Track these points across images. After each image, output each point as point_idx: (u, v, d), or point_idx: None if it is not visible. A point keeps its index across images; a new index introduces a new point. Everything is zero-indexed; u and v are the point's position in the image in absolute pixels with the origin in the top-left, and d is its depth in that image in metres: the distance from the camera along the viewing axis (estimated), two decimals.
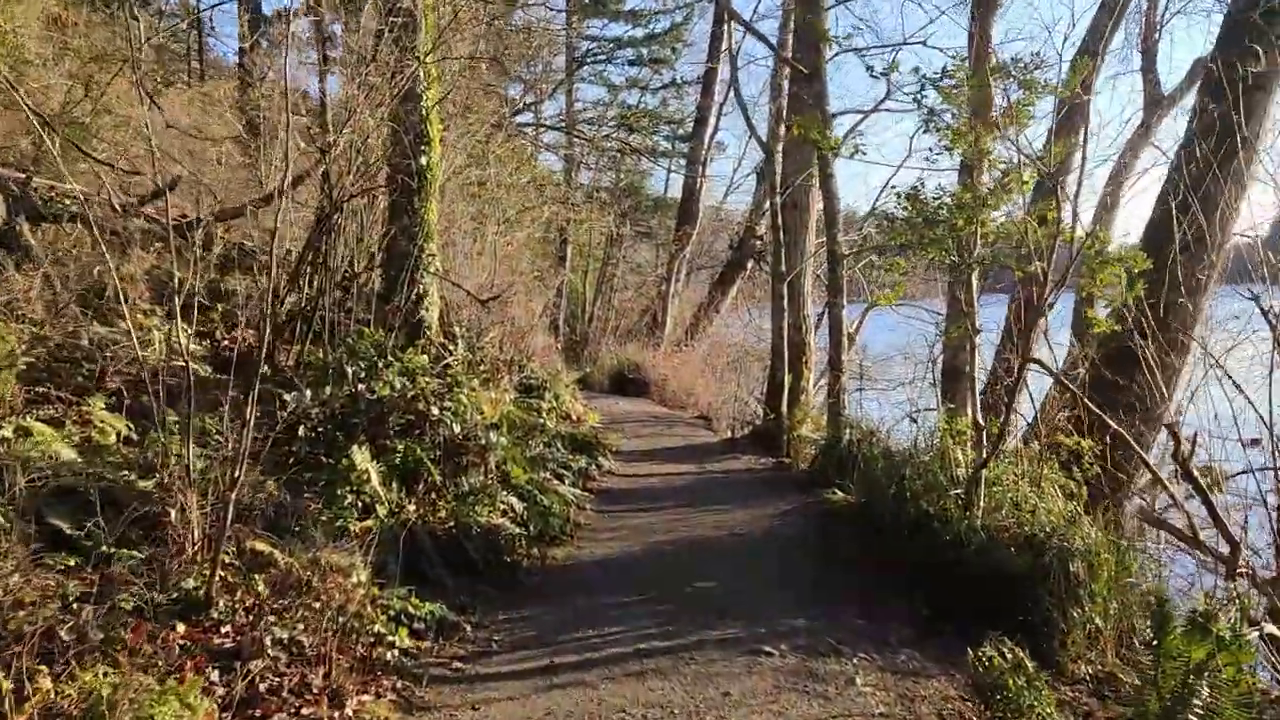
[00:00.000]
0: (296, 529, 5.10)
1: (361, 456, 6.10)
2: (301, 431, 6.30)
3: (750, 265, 25.29)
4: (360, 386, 6.90)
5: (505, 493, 6.81)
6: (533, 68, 23.56)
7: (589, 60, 25.49)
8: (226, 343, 8.37)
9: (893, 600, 5.76)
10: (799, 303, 11.92)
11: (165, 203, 5.62)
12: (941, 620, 5.37)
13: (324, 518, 5.71)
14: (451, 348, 10.11)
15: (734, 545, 7.10)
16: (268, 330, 5.24)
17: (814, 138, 9.64)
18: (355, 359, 7.25)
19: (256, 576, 4.45)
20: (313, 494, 5.93)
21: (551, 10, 22.80)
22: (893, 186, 13.74)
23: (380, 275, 9.14)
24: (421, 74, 8.65)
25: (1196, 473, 5.64)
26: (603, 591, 5.92)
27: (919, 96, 7.58)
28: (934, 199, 7.45)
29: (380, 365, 7.29)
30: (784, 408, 11.37)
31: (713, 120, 23.93)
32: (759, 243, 25.16)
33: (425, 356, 7.57)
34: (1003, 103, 7.07)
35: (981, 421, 6.94)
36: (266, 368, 7.37)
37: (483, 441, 6.92)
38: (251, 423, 4.50)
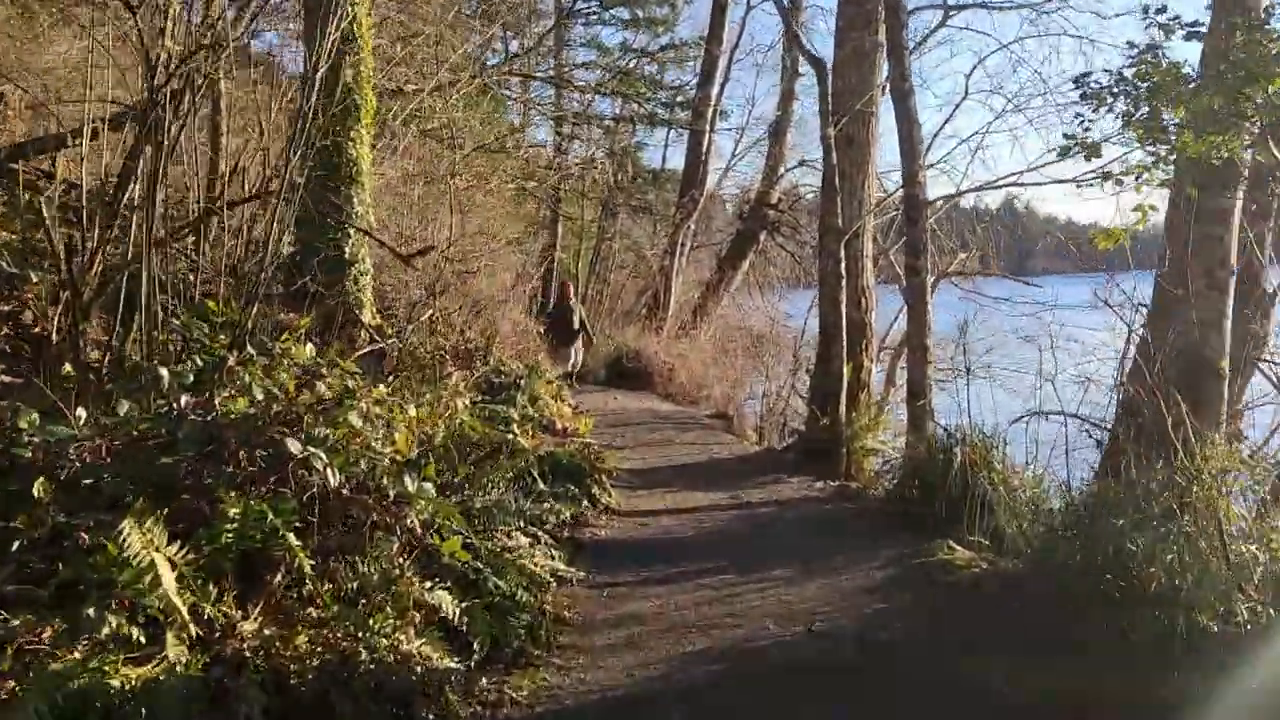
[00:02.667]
0: None
1: (139, 536, 3.20)
2: (37, 491, 3.38)
3: (763, 238, 22.39)
4: (185, 400, 3.98)
5: (429, 585, 3.91)
6: (518, 13, 20.56)
7: (579, 18, 22.40)
8: (40, 329, 5.52)
9: None
10: (859, 270, 9.00)
11: None
12: None
13: (47, 669, 2.92)
14: (389, 334, 7.19)
15: (818, 665, 4.19)
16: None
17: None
18: (185, 352, 4.36)
19: None
20: (39, 611, 3.09)
21: None
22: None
23: (282, 231, 6.20)
24: None
25: None
26: None
27: None
28: None
29: (231, 363, 4.38)
30: (841, 409, 8.46)
31: (722, 65, 20.89)
32: (773, 212, 22.27)
33: (308, 346, 4.63)
34: None
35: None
36: (69, 366, 4.51)
37: (390, 494, 4.00)
38: None
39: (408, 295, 7.41)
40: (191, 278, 5.14)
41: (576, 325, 12.64)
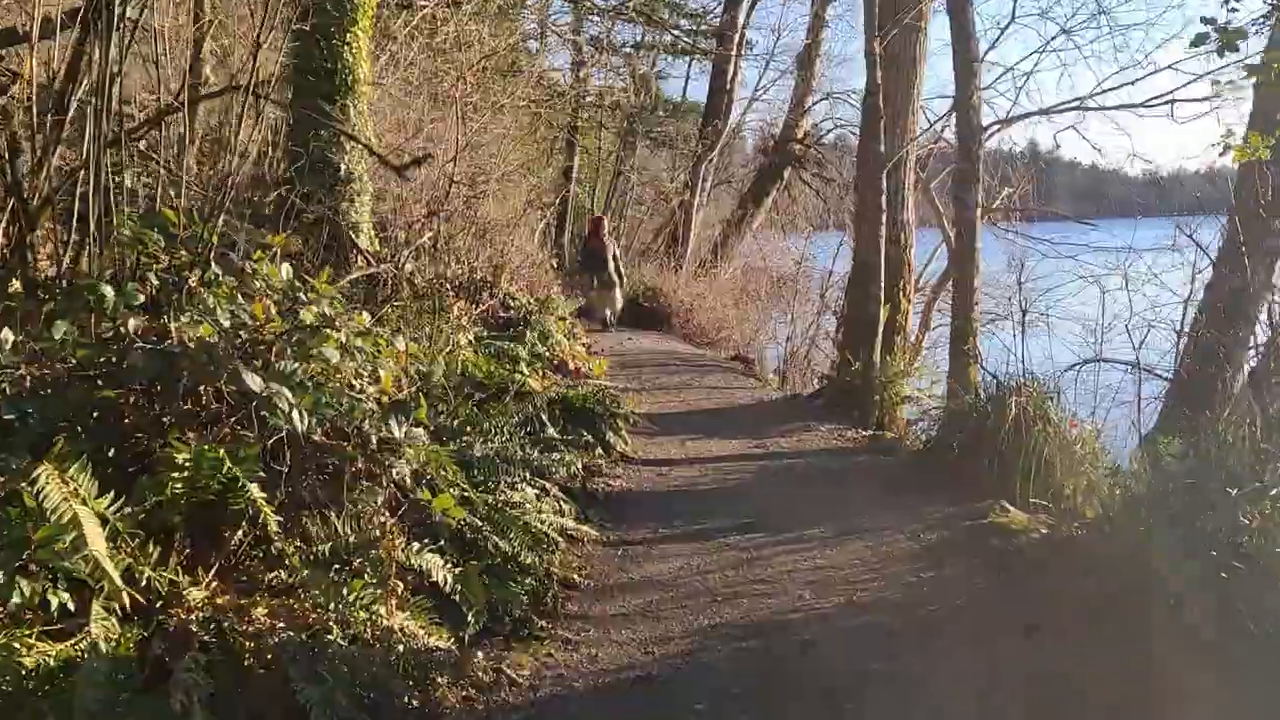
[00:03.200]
0: None
1: (59, 485, 2.65)
2: None
3: (788, 174, 21.48)
4: (133, 324, 3.40)
5: (417, 546, 3.35)
6: None
7: None
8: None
9: None
10: (899, 204, 8.28)
11: None
12: None
13: None
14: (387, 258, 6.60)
15: (861, 645, 3.65)
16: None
17: None
18: (138, 270, 3.77)
19: None
20: None
21: None
22: None
23: (251, 130, 5.55)
24: None
25: None
26: None
27: None
28: None
29: (193, 284, 3.79)
30: (876, 353, 7.81)
31: None
32: (799, 147, 21.32)
33: (285, 267, 4.02)
34: None
35: None
36: (17, 283, 3.94)
37: (371, 441, 3.42)
38: None
39: (407, 218, 6.77)
40: (153, 185, 4.51)
41: (613, 266, 12.02)
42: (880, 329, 7.86)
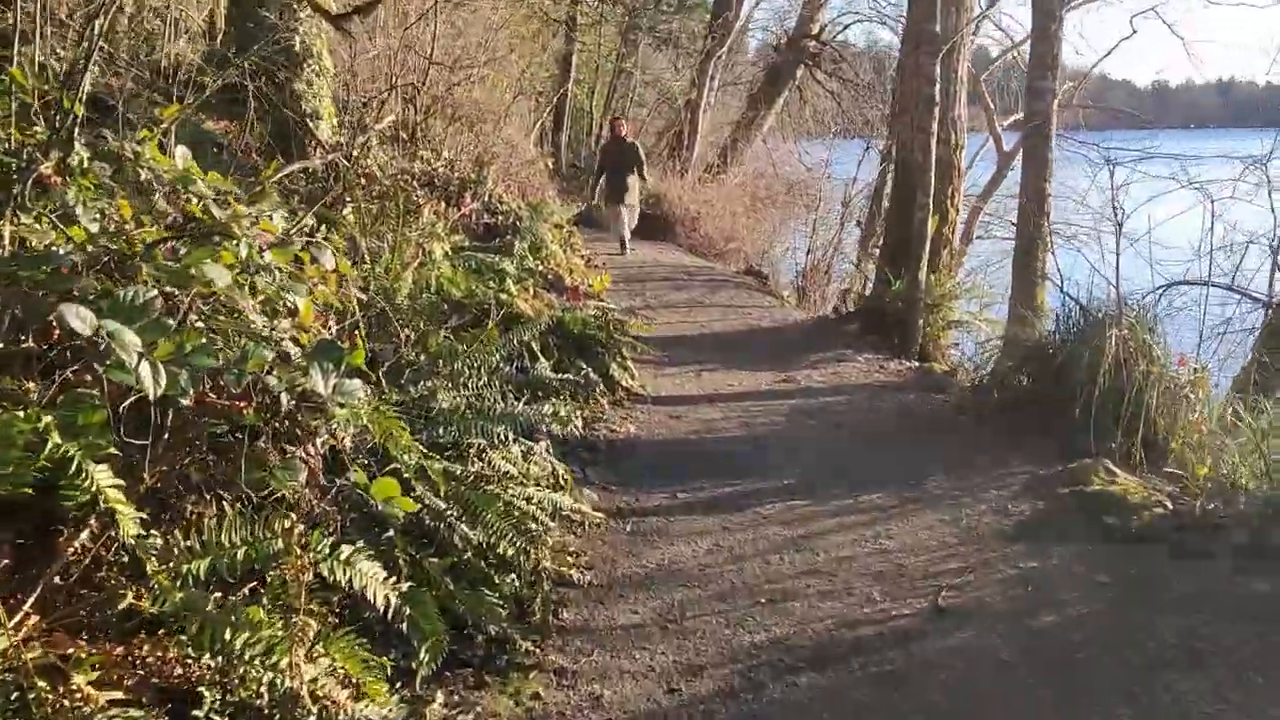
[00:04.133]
0: None
1: None
2: None
3: (800, 73, 19.89)
4: None
5: (345, 553, 2.32)
6: None
7: None
8: None
9: None
10: (951, 98, 7.06)
11: None
12: None
13: None
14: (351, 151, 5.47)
15: (971, 676, 2.67)
16: None
17: None
18: None
19: None
20: None
21: None
22: None
23: None
24: None
25: None
26: None
27: None
28: None
29: (47, 171, 2.70)
30: (921, 272, 6.71)
31: None
32: (813, 43, 19.68)
33: (180, 150, 2.90)
34: None
35: None
36: None
37: (282, 401, 2.37)
38: None
39: (366, 95, 5.57)
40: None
41: (637, 185, 10.17)
42: (927, 243, 6.73)
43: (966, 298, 7.07)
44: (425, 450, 2.91)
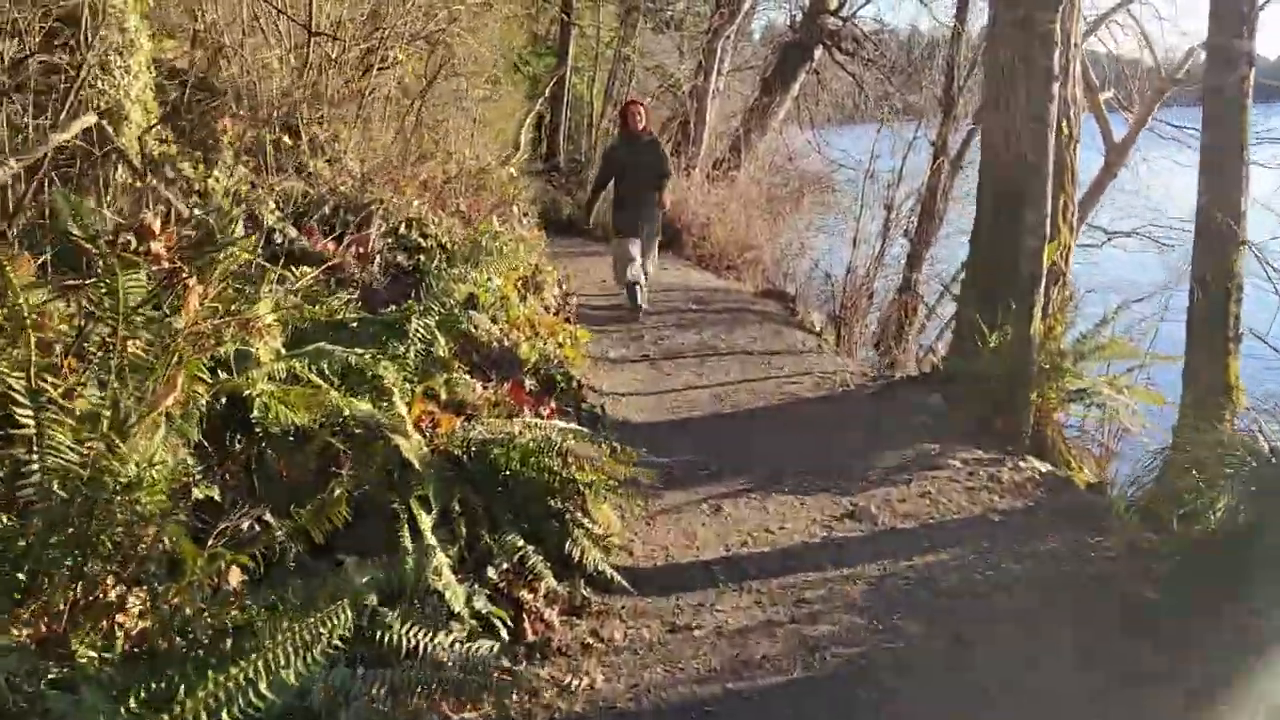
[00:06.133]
0: None
1: None
2: None
3: (819, 54, 17.70)
4: None
5: None
6: None
7: None
8: None
9: None
10: (1061, 76, 4.95)
11: None
12: None
13: None
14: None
15: None
16: None
17: None
18: None
19: None
20: None
21: None
22: None
23: None
24: None
25: None
26: None
27: None
28: None
29: None
30: (1034, 322, 4.58)
31: None
32: (833, 20, 17.50)
33: None
34: None
35: None
36: None
37: None
38: None
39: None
40: None
41: (657, 188, 6.93)
42: (1043, 281, 4.62)
43: (1094, 358, 4.94)
44: None
